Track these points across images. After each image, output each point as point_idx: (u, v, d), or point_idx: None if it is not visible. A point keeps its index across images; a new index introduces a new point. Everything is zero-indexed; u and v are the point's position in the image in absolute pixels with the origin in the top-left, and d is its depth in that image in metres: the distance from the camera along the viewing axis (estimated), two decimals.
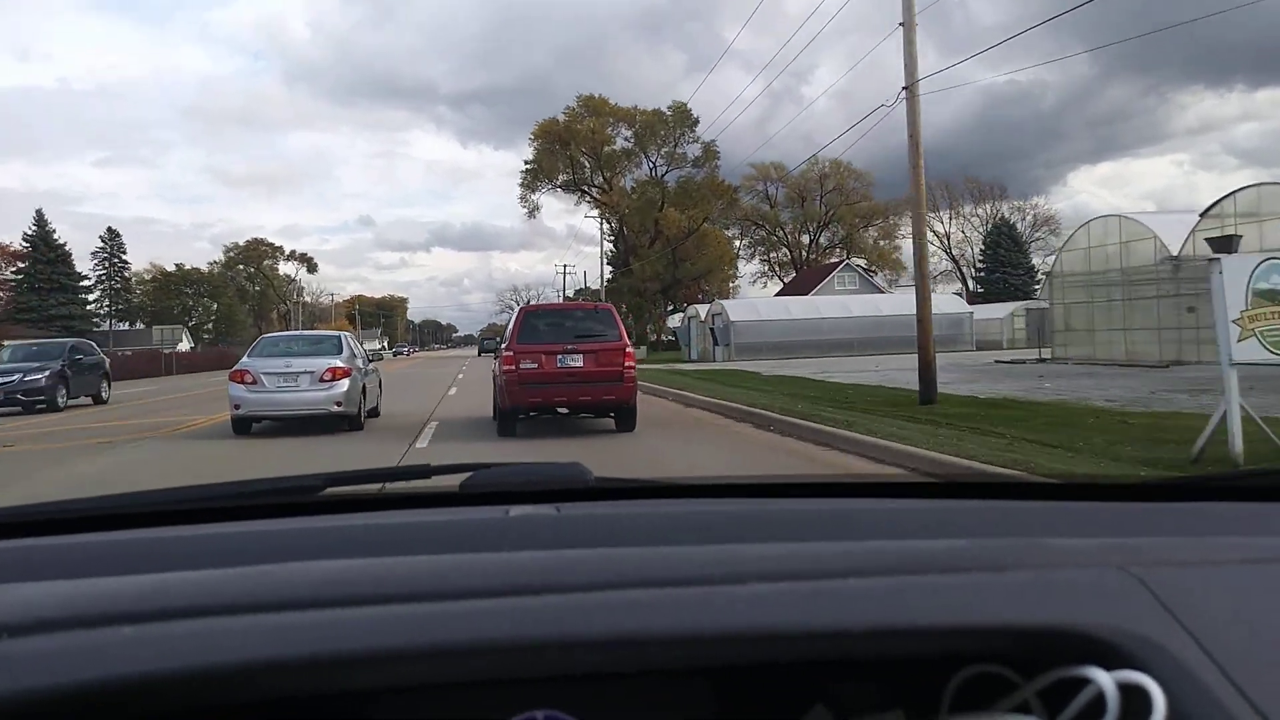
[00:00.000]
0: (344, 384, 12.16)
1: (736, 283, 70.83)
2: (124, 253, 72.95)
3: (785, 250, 74.15)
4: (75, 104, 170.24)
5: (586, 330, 11.15)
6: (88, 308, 65.87)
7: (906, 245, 70.29)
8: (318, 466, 2.14)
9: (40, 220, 61.00)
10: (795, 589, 0.73)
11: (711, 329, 41.64)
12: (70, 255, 62.45)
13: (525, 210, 67.32)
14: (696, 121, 59.23)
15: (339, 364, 12.34)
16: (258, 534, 1.00)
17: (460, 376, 28.60)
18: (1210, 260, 7.13)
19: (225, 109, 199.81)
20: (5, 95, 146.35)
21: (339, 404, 12.05)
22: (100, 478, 9.03)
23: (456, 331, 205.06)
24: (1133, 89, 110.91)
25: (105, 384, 21.66)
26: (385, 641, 0.66)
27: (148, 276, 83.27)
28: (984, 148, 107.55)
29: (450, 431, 12.16)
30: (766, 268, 75.78)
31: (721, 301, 45.13)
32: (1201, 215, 20.55)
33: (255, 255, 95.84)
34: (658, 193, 59.94)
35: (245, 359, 12.82)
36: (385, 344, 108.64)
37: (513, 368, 10.66)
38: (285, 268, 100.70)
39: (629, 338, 11.34)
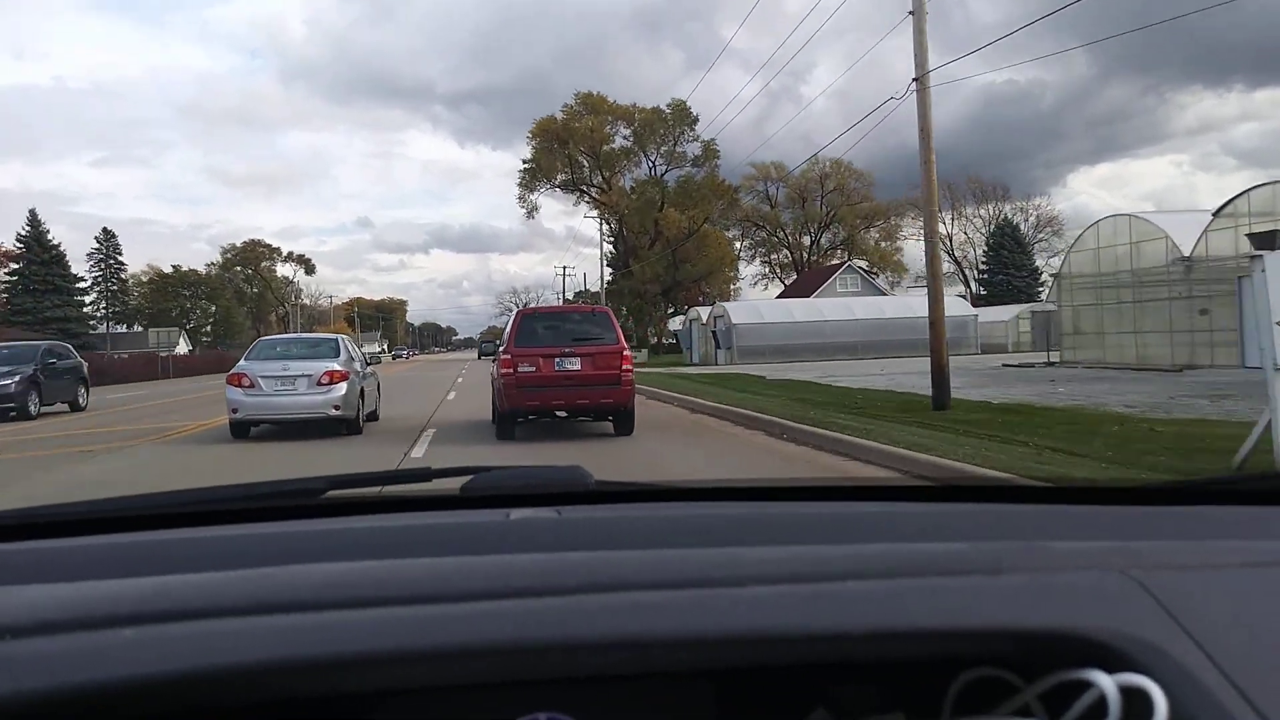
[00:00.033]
0: (342, 387, 12.10)
1: (737, 285, 70.59)
2: (120, 254, 72.38)
3: (786, 252, 73.83)
4: (72, 103, 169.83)
5: (584, 333, 11.14)
6: (84, 310, 65.31)
7: (909, 246, 70.15)
8: (315, 471, 2.05)
9: (34, 220, 60.15)
10: (795, 591, 0.73)
11: (713, 331, 41.35)
12: (65, 256, 61.63)
13: (524, 210, 67.07)
14: (696, 120, 58.95)
15: (337, 367, 12.31)
16: (260, 536, 1.01)
17: (460, 380, 28.30)
18: (1252, 258, 6.78)
19: (222, 108, 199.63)
20: (1, 94, 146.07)
21: (337, 408, 11.99)
22: (67, 495, 8.65)
23: (456, 334, 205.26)
24: (1132, 89, 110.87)
25: (83, 389, 20.55)
26: (387, 643, 0.66)
27: (145, 278, 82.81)
28: (983, 148, 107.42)
29: (449, 435, 12.07)
30: (767, 269, 75.51)
31: (724, 304, 44.79)
32: (1214, 215, 20.23)
33: (253, 257, 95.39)
34: (657, 192, 59.59)
35: (242, 362, 12.72)
36: (385, 347, 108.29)
37: (511, 371, 10.66)
38: (283, 269, 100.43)
39: (629, 340, 11.16)
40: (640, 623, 0.69)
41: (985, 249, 68.36)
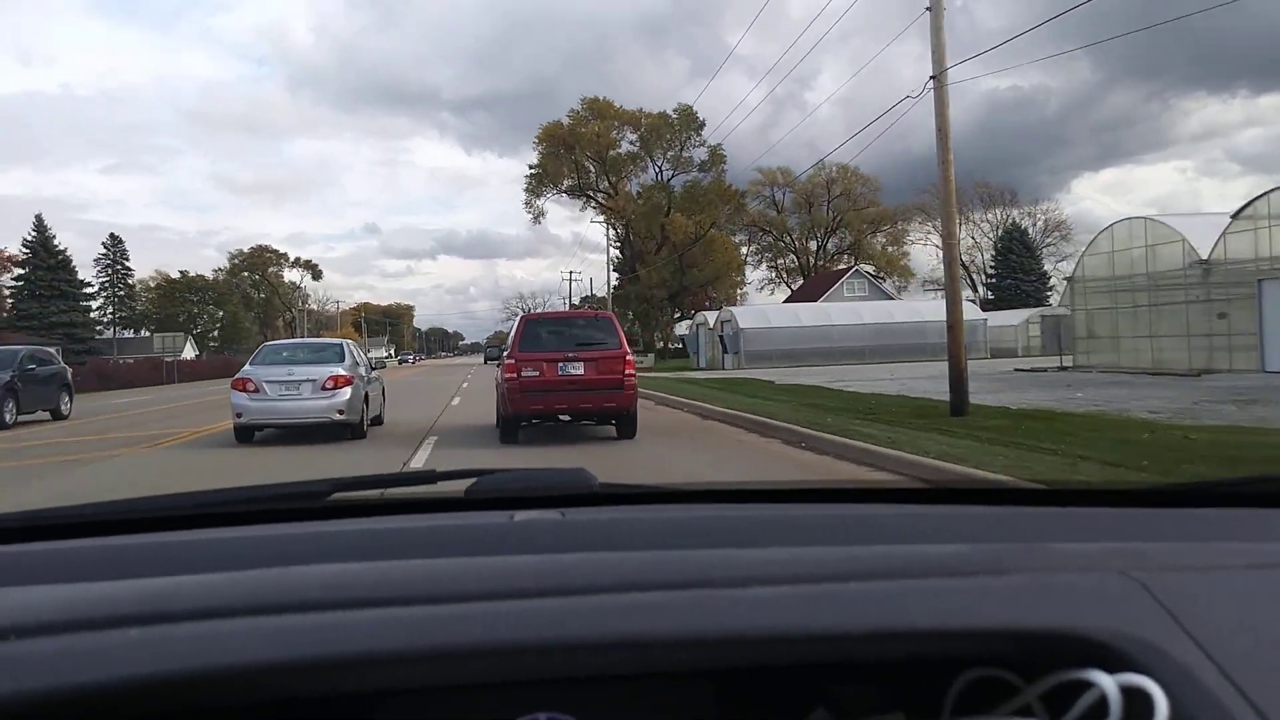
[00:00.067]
0: (346, 392, 12.19)
1: (744, 290, 70.31)
2: (126, 259, 72.29)
3: (793, 256, 73.53)
4: (80, 110, 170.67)
5: (587, 338, 11.20)
6: (91, 315, 65.21)
7: (915, 251, 69.85)
8: (317, 475, 1.98)
9: (40, 225, 59.87)
10: (796, 592, 0.73)
11: (721, 336, 41.10)
12: (71, 261, 61.38)
13: (530, 215, 66.83)
14: (703, 124, 58.80)
15: (341, 372, 12.37)
16: (263, 538, 1.01)
17: (465, 385, 28.10)
18: None
19: (230, 115, 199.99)
20: (9, 101, 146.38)
21: (341, 412, 11.97)
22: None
23: (463, 339, 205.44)
24: (1136, 95, 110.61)
25: (66, 397, 19.40)
26: (390, 644, 0.66)
27: (152, 284, 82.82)
28: (987, 154, 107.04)
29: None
30: (774, 274, 75.25)
31: (731, 308, 44.54)
32: (1233, 217, 19.91)
33: (260, 262, 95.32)
34: (664, 197, 59.40)
35: (247, 367, 12.66)
36: (391, 351, 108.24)
37: (514, 375, 10.74)
38: (290, 275, 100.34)
39: (636, 345, 11.09)
40: (641, 623, 0.69)
41: (993, 253, 67.94)
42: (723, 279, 62.88)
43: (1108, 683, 0.65)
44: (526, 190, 62.66)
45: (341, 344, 13.92)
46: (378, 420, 13.99)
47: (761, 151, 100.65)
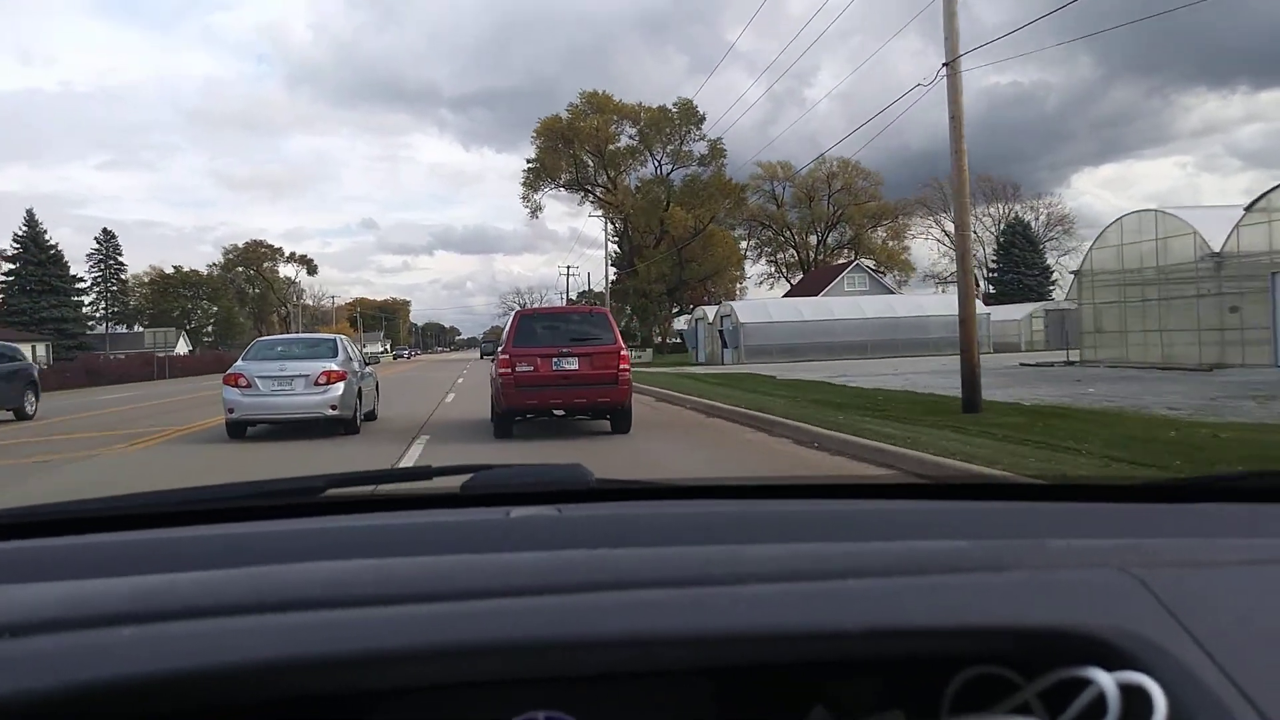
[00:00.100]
0: (339, 387, 12.13)
1: (743, 284, 69.88)
2: (120, 254, 71.81)
3: (792, 251, 73.08)
4: (78, 107, 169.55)
5: (582, 334, 11.24)
6: (83, 310, 64.65)
7: (916, 246, 69.49)
8: (310, 471, 1.85)
9: (31, 220, 59.34)
10: (795, 589, 0.73)
11: (720, 331, 40.70)
12: (63, 256, 60.93)
13: (528, 210, 66.46)
14: (703, 119, 58.25)
15: (334, 367, 12.29)
16: (260, 535, 1.00)
17: (460, 381, 27.72)
18: None
19: (228, 112, 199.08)
20: (8, 98, 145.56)
21: (334, 407, 12.05)
22: None
23: (460, 334, 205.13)
24: (1136, 91, 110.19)
25: (32, 395, 18.27)
26: (387, 642, 0.66)
27: (146, 279, 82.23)
28: (988, 149, 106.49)
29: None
30: (773, 269, 74.81)
31: (730, 303, 44.10)
32: (1246, 209, 19.53)
33: (254, 257, 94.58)
34: (663, 192, 58.90)
35: (239, 362, 12.54)
36: (387, 346, 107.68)
37: (509, 370, 10.76)
38: (285, 270, 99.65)
39: (634, 340, 10.89)
40: (640, 621, 0.68)
41: (996, 247, 67.55)
42: (722, 274, 62.46)
43: (1106, 681, 0.64)
44: (524, 185, 62.12)
45: (335, 339, 13.77)
46: (371, 416, 13.99)
47: (762, 146, 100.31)
